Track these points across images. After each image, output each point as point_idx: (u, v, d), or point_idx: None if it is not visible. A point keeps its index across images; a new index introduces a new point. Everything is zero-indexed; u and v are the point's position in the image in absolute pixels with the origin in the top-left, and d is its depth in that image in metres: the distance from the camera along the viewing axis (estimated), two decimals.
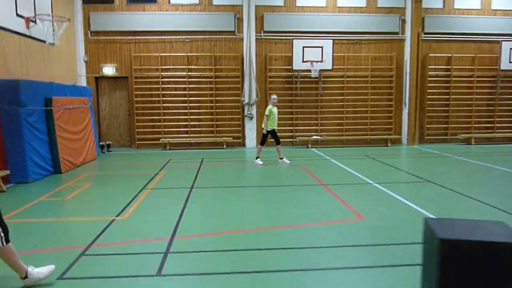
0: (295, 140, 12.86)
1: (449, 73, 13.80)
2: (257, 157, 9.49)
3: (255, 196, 6.72)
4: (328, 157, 10.51)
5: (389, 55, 13.38)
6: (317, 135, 13.00)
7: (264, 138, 9.40)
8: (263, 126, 9.38)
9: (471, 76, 13.93)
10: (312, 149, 12.46)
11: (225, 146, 12.77)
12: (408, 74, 13.35)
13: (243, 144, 13.04)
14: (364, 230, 5.05)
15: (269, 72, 12.87)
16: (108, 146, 12.51)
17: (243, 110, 12.93)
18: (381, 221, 5.37)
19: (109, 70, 12.77)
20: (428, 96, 13.75)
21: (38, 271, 3.55)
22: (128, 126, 13.10)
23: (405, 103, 13.47)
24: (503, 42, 13.53)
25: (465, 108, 14.01)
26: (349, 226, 5.20)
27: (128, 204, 6.31)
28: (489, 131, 14.21)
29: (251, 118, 12.84)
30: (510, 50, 13.58)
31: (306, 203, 6.16)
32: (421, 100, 13.70)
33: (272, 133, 9.35)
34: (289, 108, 13.03)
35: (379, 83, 13.44)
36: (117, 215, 5.76)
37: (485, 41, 13.90)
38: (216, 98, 12.91)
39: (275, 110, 9.32)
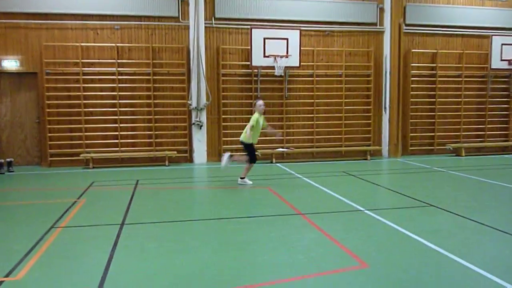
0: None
1: (434, 72, 13.66)
2: (243, 178, 8.93)
3: (212, 234, 5.79)
4: (298, 175, 10.10)
5: (366, 49, 13.13)
6: (282, 147, 12.38)
7: (253, 153, 8.82)
8: (241, 137, 8.82)
9: (458, 76, 13.85)
10: (278, 164, 11.98)
11: (167, 163, 11.69)
12: (388, 73, 13.10)
13: (190, 160, 12.10)
14: (374, 284, 4.20)
15: (222, 69, 12.14)
16: (9, 164, 10.90)
17: (190, 117, 11.92)
18: (393, 268, 4.59)
19: (10, 64, 11.21)
20: (412, 99, 13.58)
21: None
22: (38, 138, 11.60)
23: (385, 108, 13.08)
24: (493, 37, 13.48)
25: (453, 113, 14.02)
26: (351, 278, 4.36)
27: (26, 254, 5.05)
28: (480, 139, 14.25)
29: (201, 127, 11.91)
30: (502, 46, 13.46)
31: (284, 244, 5.33)
32: (404, 104, 13.46)
33: (250, 147, 8.81)
34: (248, 114, 12.28)
35: (355, 84, 13.14)
36: (7, 274, 4.52)
37: (473, 35, 13.96)
38: (155, 101, 11.78)
39: (262, 120, 8.78)
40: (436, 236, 5.51)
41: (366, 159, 12.79)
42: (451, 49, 13.82)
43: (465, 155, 13.50)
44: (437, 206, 6.94)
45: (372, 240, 5.41)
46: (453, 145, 13.61)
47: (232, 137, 12.22)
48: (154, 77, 11.93)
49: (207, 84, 12.06)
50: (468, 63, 13.95)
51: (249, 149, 8.84)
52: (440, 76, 13.74)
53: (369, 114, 13.27)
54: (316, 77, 12.83)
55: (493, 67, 13.68)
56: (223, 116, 12.24)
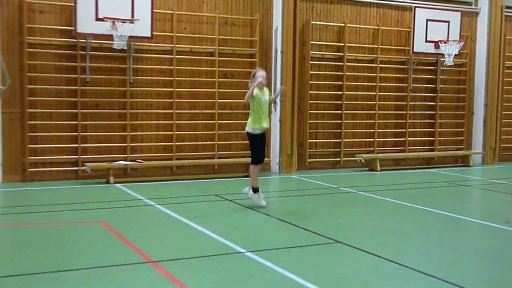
0: (83, 169, 11.74)
1: (340, 54, 14.06)
2: (254, 188, 9.44)
3: None
4: (149, 201, 10.01)
5: (249, 18, 13.27)
6: (125, 160, 12.12)
7: (255, 152, 9.40)
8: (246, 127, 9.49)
9: (372, 61, 14.41)
10: (117, 185, 11.60)
11: None
12: (279, 53, 13.22)
13: None
14: None
15: (29, 36, 11.52)
16: None
17: None
18: None
19: None
20: (312, 92, 13.89)
21: None
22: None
23: (275, 103, 13.13)
24: (417, 10, 14.23)
25: (365, 112, 14.58)
26: None
27: None
28: (399, 148, 14.95)
29: None
30: (427, 23, 14.31)
31: None
32: (301, 98, 13.77)
33: (252, 142, 9.44)
34: (68, 108, 11.80)
35: (234, 66, 13.21)
36: None
37: (391, 5, 14.68)
38: None
39: (264, 95, 9.31)
40: (344, 286, 5.64)
41: (248, 176, 12.63)
42: (363, 23, 14.40)
43: (381, 170, 14.08)
44: (346, 243, 7.19)
45: None
46: (365, 156, 14.09)
47: (46, 142, 11.57)
48: None
49: (3, 59, 11.08)
50: (385, 43, 14.63)
51: (250, 144, 9.47)
52: (349, 60, 14.22)
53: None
54: (177, 54, 12.62)
55: (416, 50, 14.47)
56: (30, 110, 11.49)
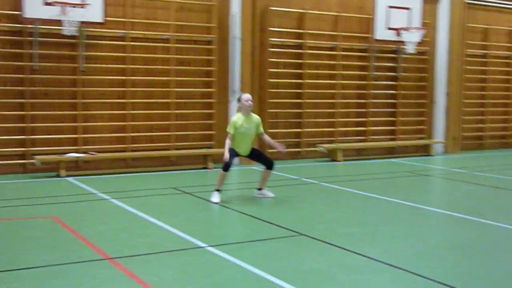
0: (32, 162, 11.53)
1: (300, 41, 14.03)
2: (217, 190, 9.28)
3: None
4: (104, 195, 9.94)
5: (207, 4, 13.22)
6: (76, 153, 11.95)
7: (229, 161, 9.16)
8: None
9: (333, 48, 14.44)
10: (69, 179, 11.42)
11: None
12: (238, 40, 13.20)
13: None
14: None
15: None
16: None
17: None
18: None
19: None
20: (271, 80, 13.85)
21: None
22: None
23: (234, 92, 13.05)
24: None
25: (325, 101, 14.61)
26: None
27: None
28: (361, 138, 15.04)
29: None
30: (389, 10, 14.35)
31: None
32: (261, 87, 13.72)
33: (236, 154, 9.38)
34: (16, 97, 11.60)
35: (189, 53, 13.09)
36: None
37: None
38: None
39: (248, 124, 9.22)
40: (310, 279, 5.65)
41: (207, 168, 12.80)
42: (324, 9, 14.36)
43: (344, 160, 14.11)
44: (310, 236, 7.20)
45: None
46: (326, 145, 14.13)
47: None
48: None
49: None
50: (346, 30, 14.64)
51: (251, 157, 9.52)
52: (310, 47, 14.19)
53: (211, 100, 13.23)
54: (131, 41, 12.46)
55: (377, 37, 14.51)
56: None
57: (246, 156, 9.56)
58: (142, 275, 5.64)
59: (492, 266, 6.08)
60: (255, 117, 9.37)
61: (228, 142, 9.12)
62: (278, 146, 9.52)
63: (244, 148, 9.33)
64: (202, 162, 12.95)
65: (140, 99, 12.57)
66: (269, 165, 9.41)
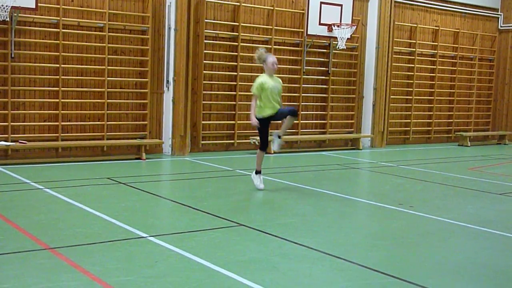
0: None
1: (235, 33, 14.17)
2: (257, 171, 9.62)
3: None
4: (37, 185, 9.66)
5: None
6: (6, 141, 11.67)
7: (262, 138, 9.50)
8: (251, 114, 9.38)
9: (267, 42, 14.61)
10: None
11: None
12: (173, 31, 13.18)
13: None
14: None
15: None
16: None
17: None
18: None
19: None
20: (206, 71, 13.91)
21: None
22: None
23: (168, 82, 13.05)
24: None
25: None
26: None
27: None
28: (293, 130, 15.30)
29: None
30: (321, 6, 14.66)
31: None
32: (194, 78, 13.74)
33: (262, 125, 9.37)
34: None
35: (123, 42, 12.93)
36: None
37: None
38: None
39: (273, 83, 9.29)
40: (252, 268, 5.74)
41: (140, 159, 12.73)
42: (258, 3, 14.51)
43: (274, 152, 14.25)
44: (249, 226, 7.28)
45: (167, 281, 5.31)
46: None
47: None
48: None
49: None
50: (280, 25, 14.82)
51: (259, 128, 9.40)
52: (243, 40, 14.29)
53: (145, 90, 13.15)
54: (64, 28, 12.16)
55: (310, 32, 14.78)
56: None
57: (272, 119, 9.36)
58: (86, 265, 5.57)
59: (423, 254, 6.36)
60: (278, 79, 9.54)
61: (253, 105, 9.24)
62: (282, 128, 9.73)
63: (273, 106, 9.22)
64: (135, 152, 12.88)
65: (72, 88, 12.32)
66: (293, 112, 9.29)
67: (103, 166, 11.77)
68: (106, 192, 9.36)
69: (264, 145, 9.60)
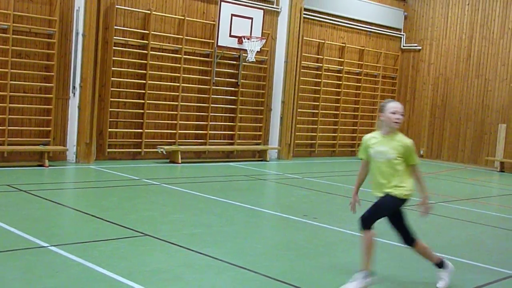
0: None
1: (145, 42, 14.08)
2: (362, 270, 5.60)
3: None
4: None
5: None
6: None
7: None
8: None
9: (177, 51, 14.56)
10: None
11: None
12: (81, 36, 12.97)
13: None
14: None
15: None
16: None
17: None
18: None
19: None
20: (114, 79, 13.78)
21: None
22: None
23: (75, 88, 12.78)
24: (222, 4, 14.65)
25: (166, 103, 14.71)
26: None
27: None
28: (201, 141, 15.33)
29: None
30: (232, 18, 14.78)
31: None
32: (101, 85, 13.51)
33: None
34: None
35: (29, 45, 12.56)
36: None
37: None
38: None
39: (378, 141, 5.73)
40: (156, 279, 5.67)
41: (43, 166, 12.36)
42: (169, 12, 14.44)
43: (182, 162, 14.29)
44: (154, 236, 7.24)
45: None
46: (166, 147, 14.21)
47: None
48: None
49: None
50: (190, 35, 14.83)
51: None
52: (153, 49, 14.19)
53: (49, 96, 12.80)
54: None
55: (220, 44, 14.85)
56: None
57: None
58: None
59: (326, 264, 6.54)
60: (402, 139, 5.70)
61: (358, 175, 6.06)
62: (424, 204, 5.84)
63: (374, 185, 5.81)
64: (38, 159, 12.50)
65: None
66: (405, 240, 5.81)
67: (3, 173, 11.39)
68: (6, 200, 9.03)
69: (365, 223, 5.73)
